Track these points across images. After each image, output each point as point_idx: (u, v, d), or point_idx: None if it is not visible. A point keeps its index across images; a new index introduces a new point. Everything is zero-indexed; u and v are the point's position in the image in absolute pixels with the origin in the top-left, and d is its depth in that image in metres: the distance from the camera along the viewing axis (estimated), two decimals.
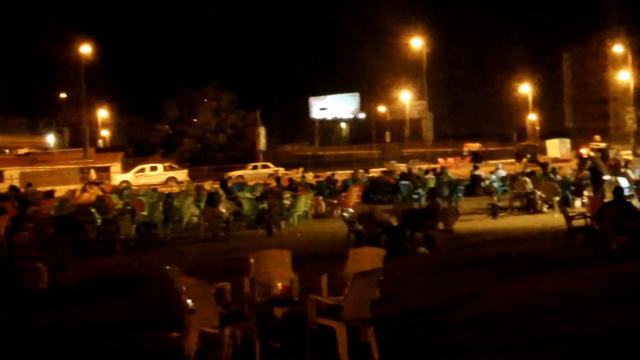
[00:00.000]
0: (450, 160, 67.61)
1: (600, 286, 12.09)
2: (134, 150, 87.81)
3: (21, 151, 79.73)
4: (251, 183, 37.93)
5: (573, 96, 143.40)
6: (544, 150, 68.66)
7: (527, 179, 25.28)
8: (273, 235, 20.94)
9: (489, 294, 11.77)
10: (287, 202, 23.98)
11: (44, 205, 26.36)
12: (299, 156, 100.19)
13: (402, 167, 49.23)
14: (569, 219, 16.35)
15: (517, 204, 24.42)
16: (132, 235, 20.98)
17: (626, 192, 19.67)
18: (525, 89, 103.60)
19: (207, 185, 38.19)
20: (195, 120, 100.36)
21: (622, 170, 28.78)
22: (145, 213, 23.37)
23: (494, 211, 23.21)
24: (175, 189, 39.88)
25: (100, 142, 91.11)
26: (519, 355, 8.71)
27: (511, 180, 27.76)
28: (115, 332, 10.56)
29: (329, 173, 41.28)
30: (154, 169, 62.76)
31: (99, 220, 20.76)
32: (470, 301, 11.35)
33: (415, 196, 27.83)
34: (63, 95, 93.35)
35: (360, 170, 37.41)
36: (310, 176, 45.67)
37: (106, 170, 69.36)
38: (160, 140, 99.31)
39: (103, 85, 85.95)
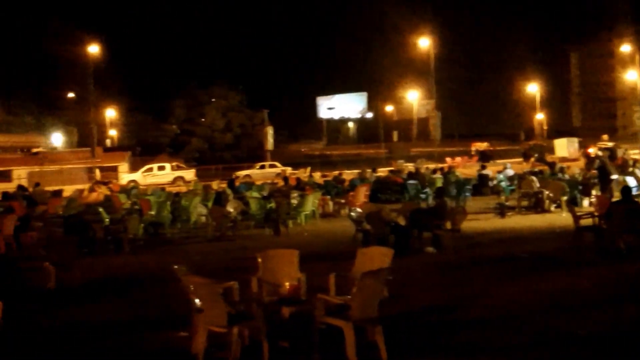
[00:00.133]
0: (458, 159, 67.51)
1: (608, 286, 12.08)
2: (142, 149, 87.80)
3: (35, 150, 79.90)
4: (259, 182, 38.00)
5: (581, 95, 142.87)
6: (551, 150, 68.52)
7: (534, 178, 25.24)
8: (281, 234, 20.97)
9: (497, 294, 11.76)
10: (294, 201, 23.99)
11: (52, 205, 26.40)
12: (306, 155, 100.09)
13: (410, 166, 49.16)
14: (576, 218, 16.33)
15: (524, 203, 24.40)
16: (140, 234, 21.02)
17: (634, 192, 19.62)
18: (533, 88, 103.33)
19: (215, 185, 38.19)
20: (203, 119, 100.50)
21: (630, 169, 28.70)
22: (153, 212, 23.41)
23: (501, 210, 23.19)
24: (183, 189, 39.90)
25: (108, 142, 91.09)
26: (525, 355, 8.69)
27: (519, 179, 27.73)
28: (122, 331, 10.57)
29: (336, 172, 41.26)
30: (161, 168, 62.88)
31: (107, 220, 20.78)
32: (478, 301, 11.34)
33: (422, 195, 27.83)
34: (71, 94, 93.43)
35: (368, 170, 37.35)
36: (317, 175, 45.62)
37: (114, 169, 69.42)
38: (168, 140, 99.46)
39: (111, 84, 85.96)
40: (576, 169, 33.06)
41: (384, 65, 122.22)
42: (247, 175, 59.01)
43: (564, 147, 68.88)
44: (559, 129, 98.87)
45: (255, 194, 26.78)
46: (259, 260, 10.39)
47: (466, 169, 53.85)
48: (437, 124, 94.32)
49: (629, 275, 12.80)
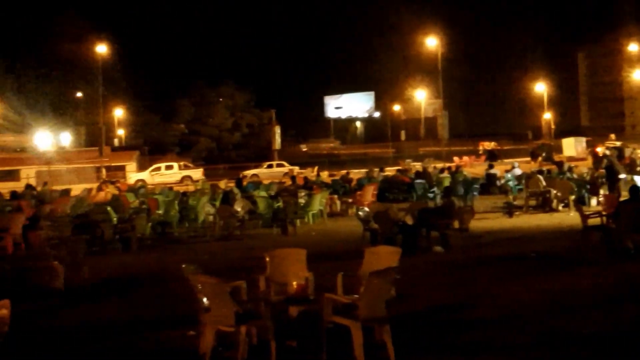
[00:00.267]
0: (466, 158, 67.42)
1: (616, 285, 12.06)
2: (150, 149, 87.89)
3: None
4: (266, 182, 38.02)
5: (588, 95, 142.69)
6: (559, 149, 68.41)
7: (541, 177, 25.21)
8: (288, 233, 20.98)
9: (505, 293, 11.74)
10: (302, 200, 23.99)
11: (60, 204, 26.45)
12: (313, 155, 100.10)
13: (417, 165, 49.17)
14: (584, 217, 16.32)
15: (532, 202, 24.36)
16: (148, 233, 21.05)
17: None
18: (541, 87, 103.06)
19: (222, 184, 38.22)
20: (210, 119, 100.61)
21: (638, 168, 28.69)
22: (160, 212, 23.46)
23: (509, 210, 23.16)
24: (191, 188, 39.91)
25: (116, 141, 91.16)
26: (533, 355, 8.68)
27: (526, 178, 27.67)
28: (130, 330, 10.59)
29: (344, 172, 41.26)
30: (169, 167, 62.93)
31: (115, 219, 20.83)
32: (486, 300, 11.33)
33: (430, 195, 27.80)
34: (79, 94, 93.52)
35: (376, 169, 37.36)
36: (325, 175, 45.64)
37: (122, 169, 69.57)
38: (176, 139, 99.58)
39: (119, 84, 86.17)
40: (584, 168, 33.05)
41: (391, 64, 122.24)
42: (255, 175, 59.02)
43: (572, 146, 68.76)
44: (566, 129, 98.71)
45: (263, 193, 26.77)
46: (267, 259, 10.40)
47: (474, 168, 53.77)
48: (445, 123, 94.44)
49: (637, 274, 12.78)
